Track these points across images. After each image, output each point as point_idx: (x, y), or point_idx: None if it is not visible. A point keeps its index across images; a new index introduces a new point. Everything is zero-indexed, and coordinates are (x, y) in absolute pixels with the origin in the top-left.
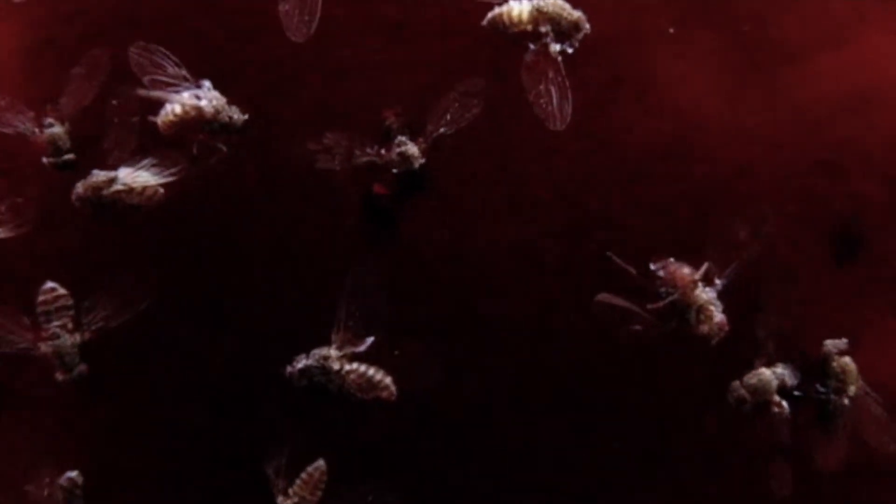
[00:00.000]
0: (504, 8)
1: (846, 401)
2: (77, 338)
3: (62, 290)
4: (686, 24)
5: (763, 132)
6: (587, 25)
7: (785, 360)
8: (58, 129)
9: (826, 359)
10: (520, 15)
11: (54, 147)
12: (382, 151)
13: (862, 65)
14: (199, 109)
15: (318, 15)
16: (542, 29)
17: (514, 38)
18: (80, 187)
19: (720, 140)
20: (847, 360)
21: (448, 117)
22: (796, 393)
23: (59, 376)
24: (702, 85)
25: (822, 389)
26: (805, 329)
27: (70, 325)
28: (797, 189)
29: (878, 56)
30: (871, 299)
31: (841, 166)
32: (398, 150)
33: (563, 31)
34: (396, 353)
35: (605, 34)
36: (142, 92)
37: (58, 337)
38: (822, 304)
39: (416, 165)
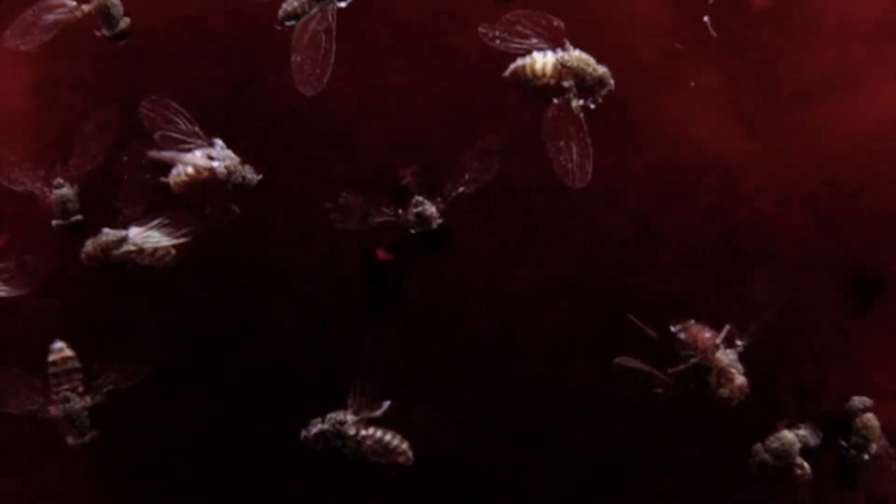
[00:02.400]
0: (527, 60)
1: (866, 457)
2: (87, 401)
3: (70, 353)
4: (699, 64)
5: (777, 176)
6: (612, 81)
7: (806, 418)
8: (67, 191)
9: (850, 415)
10: (543, 68)
11: (63, 209)
12: (399, 211)
13: (879, 109)
14: (211, 171)
15: (330, 69)
16: (566, 84)
17: (537, 91)
18: (89, 246)
19: (734, 185)
20: (870, 416)
21: (467, 176)
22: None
23: (70, 440)
24: (715, 127)
25: (844, 445)
26: (825, 382)
27: (80, 389)
28: (811, 234)
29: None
30: (890, 339)
31: (856, 211)
32: (415, 210)
33: (587, 86)
34: (414, 417)
35: (618, 80)
36: (153, 153)
37: (68, 400)
38: (841, 354)
39: (435, 226)
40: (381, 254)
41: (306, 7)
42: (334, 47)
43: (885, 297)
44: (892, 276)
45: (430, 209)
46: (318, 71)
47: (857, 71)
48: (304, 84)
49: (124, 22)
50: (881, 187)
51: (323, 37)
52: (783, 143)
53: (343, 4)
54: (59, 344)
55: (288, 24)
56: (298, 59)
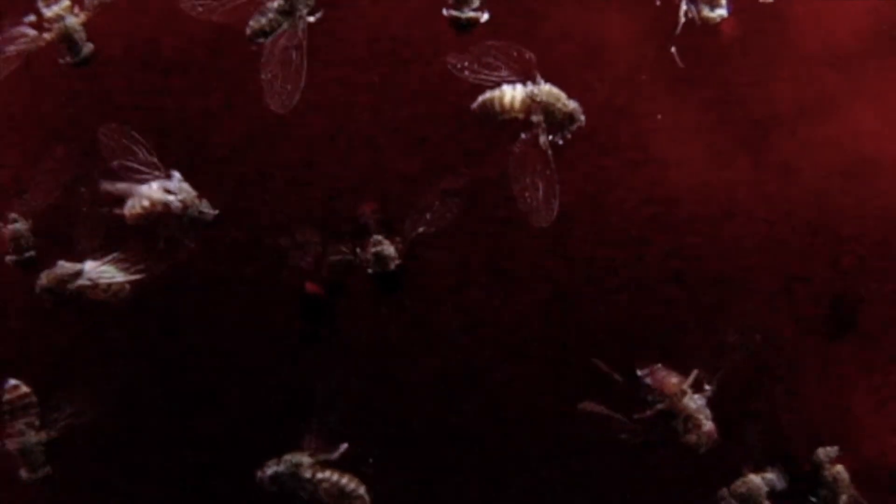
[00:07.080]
0: (496, 92)
1: None
2: (43, 436)
3: (25, 389)
4: (675, 93)
5: (753, 205)
6: (582, 117)
7: (774, 462)
8: (21, 226)
9: (818, 467)
10: (512, 102)
11: (16, 244)
12: (357, 250)
13: (853, 135)
14: (166, 205)
15: (301, 86)
16: (535, 118)
17: (504, 125)
18: (43, 278)
19: (708, 213)
20: (839, 468)
21: (428, 216)
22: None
23: (24, 475)
24: (692, 156)
25: (812, 499)
26: (795, 423)
27: (36, 423)
28: (786, 261)
29: (870, 127)
30: (864, 378)
31: (832, 239)
32: (373, 249)
33: (557, 121)
34: (371, 461)
35: (593, 110)
36: (107, 185)
37: (23, 434)
38: (813, 388)
39: (392, 266)
40: (309, 286)
41: (275, 24)
42: (305, 64)
43: (859, 323)
44: (867, 302)
45: (389, 249)
46: (288, 87)
47: (830, 98)
48: (275, 101)
49: (88, 48)
50: (856, 213)
51: (294, 53)
52: (758, 171)
53: (312, 19)
54: (12, 382)
55: (259, 41)
56: (269, 76)
